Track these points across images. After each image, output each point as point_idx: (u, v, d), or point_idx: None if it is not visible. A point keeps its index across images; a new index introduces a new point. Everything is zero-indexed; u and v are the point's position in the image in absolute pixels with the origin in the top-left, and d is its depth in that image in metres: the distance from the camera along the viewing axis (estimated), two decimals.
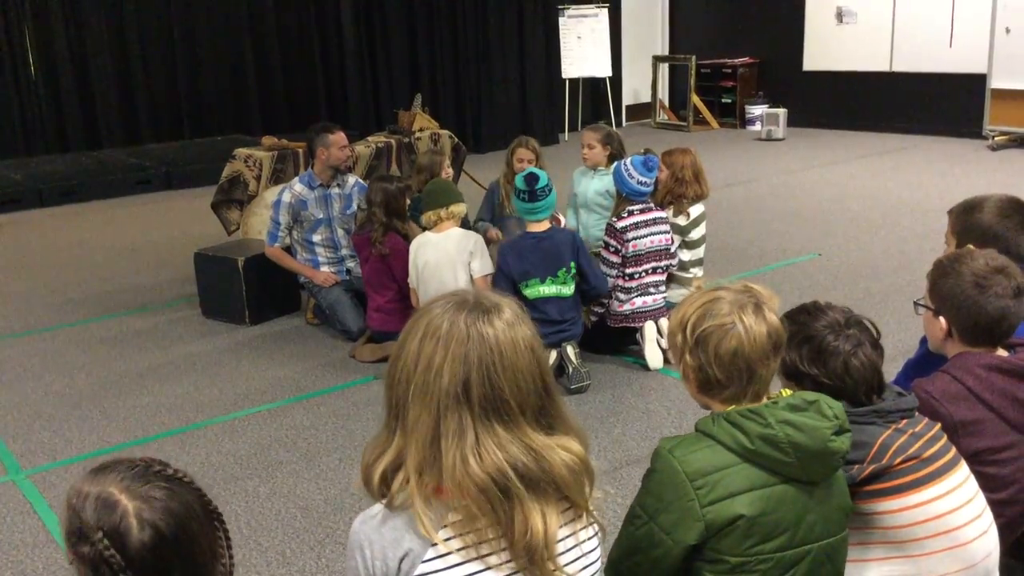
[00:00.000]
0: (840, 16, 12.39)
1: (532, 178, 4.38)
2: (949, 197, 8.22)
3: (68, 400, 4.60)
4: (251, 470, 3.81)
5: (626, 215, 4.74)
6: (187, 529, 1.37)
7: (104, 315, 5.90)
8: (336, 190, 5.43)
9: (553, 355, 4.44)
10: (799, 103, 12.61)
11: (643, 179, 4.73)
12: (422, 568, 1.43)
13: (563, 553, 1.48)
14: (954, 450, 1.97)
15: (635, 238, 4.71)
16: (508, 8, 12.18)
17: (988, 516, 1.97)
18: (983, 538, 1.93)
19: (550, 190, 4.44)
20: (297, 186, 5.35)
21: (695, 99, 13.40)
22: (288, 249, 5.49)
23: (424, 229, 4.80)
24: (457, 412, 1.41)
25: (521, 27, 12.28)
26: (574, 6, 12.73)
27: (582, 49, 12.73)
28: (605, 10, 12.78)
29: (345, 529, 3.32)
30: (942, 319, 2.21)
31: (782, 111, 12.14)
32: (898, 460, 1.88)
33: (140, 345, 5.32)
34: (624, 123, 13.87)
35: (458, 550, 1.43)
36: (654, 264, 4.78)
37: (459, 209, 4.67)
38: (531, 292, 4.42)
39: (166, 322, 5.72)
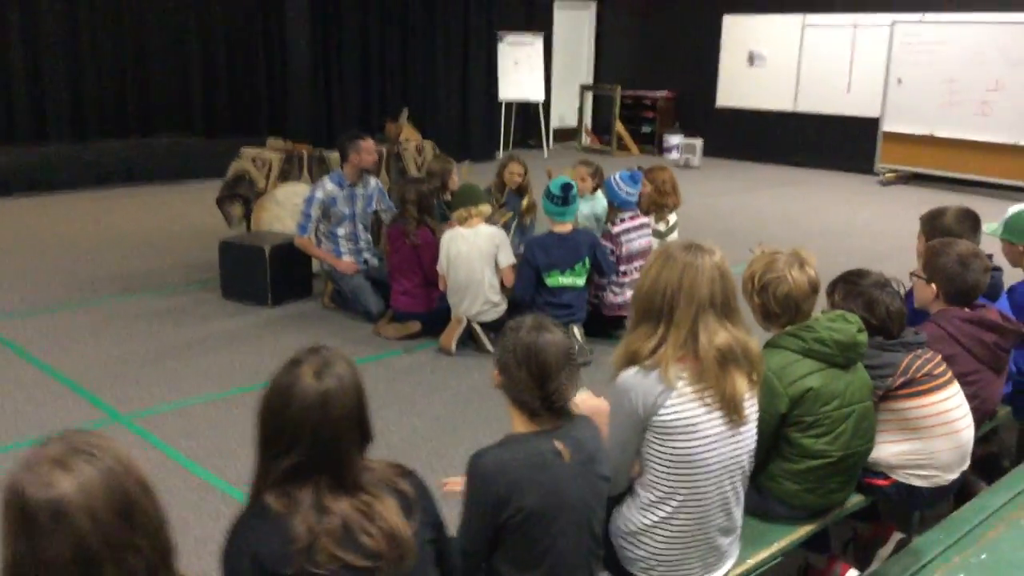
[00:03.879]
0: (751, 59, 13.79)
1: (567, 187, 5.22)
2: (850, 224, 9.62)
3: (133, 362, 5.13)
4: None
5: (619, 222, 5.64)
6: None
7: (127, 294, 6.39)
8: (361, 190, 6.13)
9: None
10: (713, 135, 13.90)
11: (630, 190, 5.65)
12: (668, 402, 2.26)
13: (745, 402, 2.33)
14: (951, 372, 2.91)
15: (627, 240, 5.61)
16: (454, 32, 13.03)
17: (970, 415, 2.92)
18: (967, 430, 2.89)
19: (576, 198, 5.30)
20: (328, 185, 6.02)
21: (619, 127, 14.52)
22: None
23: (446, 224, 5.55)
24: (707, 311, 2.26)
25: (466, 51, 13.14)
26: (513, 33, 13.68)
27: (518, 74, 13.69)
28: (540, 38, 13.79)
29: (412, 464, 4.07)
30: (933, 285, 3.16)
31: (698, 141, 13.38)
32: (919, 375, 2.80)
33: (176, 320, 5.87)
34: (551, 145, 14.85)
35: (689, 395, 2.26)
36: (640, 263, 5.68)
37: (486, 209, 5.47)
38: (552, 281, 5.24)
39: (190, 302, 6.27)
